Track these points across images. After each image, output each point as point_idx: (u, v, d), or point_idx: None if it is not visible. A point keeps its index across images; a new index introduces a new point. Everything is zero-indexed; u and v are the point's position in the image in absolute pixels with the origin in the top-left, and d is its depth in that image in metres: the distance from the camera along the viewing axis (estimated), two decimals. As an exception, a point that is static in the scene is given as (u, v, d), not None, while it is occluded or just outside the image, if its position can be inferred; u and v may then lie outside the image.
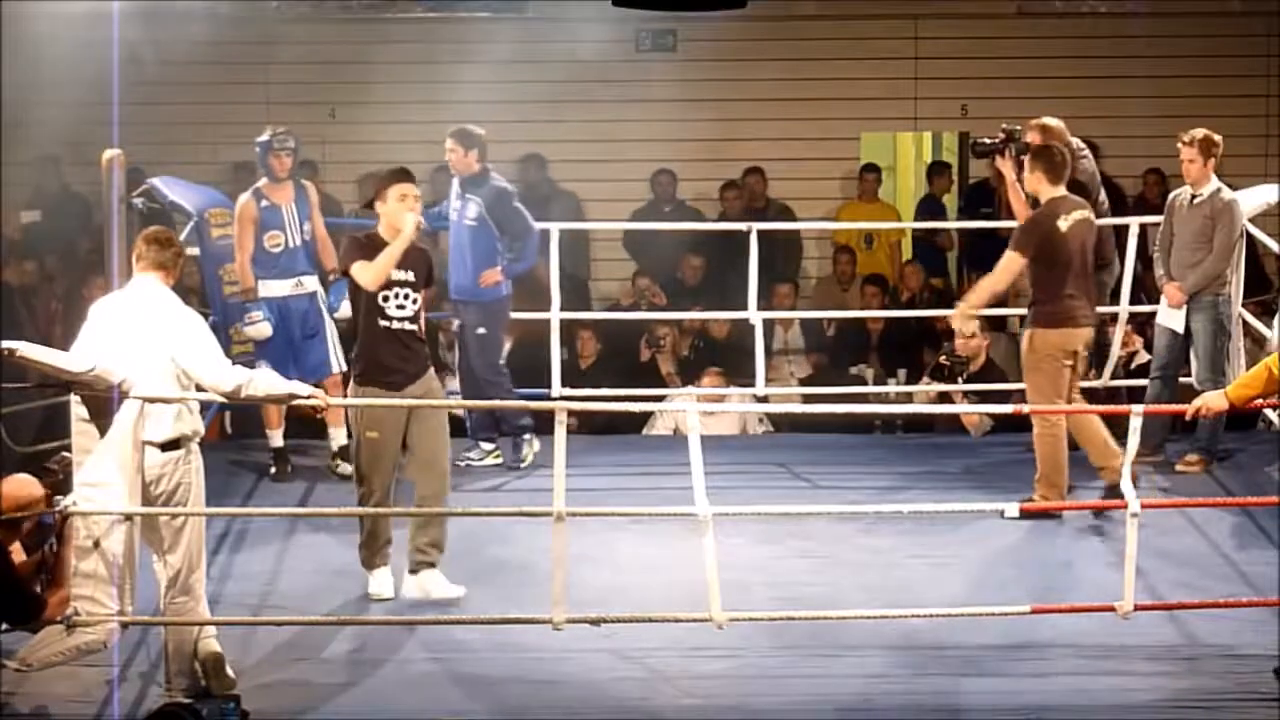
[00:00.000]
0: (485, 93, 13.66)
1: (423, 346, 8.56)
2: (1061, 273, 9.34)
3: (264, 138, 10.13)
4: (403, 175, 8.55)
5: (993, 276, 9.52)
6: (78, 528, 7.21)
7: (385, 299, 8.40)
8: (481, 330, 10.33)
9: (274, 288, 10.12)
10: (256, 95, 13.93)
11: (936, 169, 14.92)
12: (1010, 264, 9.39)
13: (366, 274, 8.37)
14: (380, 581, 8.52)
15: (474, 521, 9.22)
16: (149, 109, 12.42)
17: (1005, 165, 9.98)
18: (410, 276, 8.46)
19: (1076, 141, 10.16)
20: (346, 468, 10.33)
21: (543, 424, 11.66)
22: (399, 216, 8.37)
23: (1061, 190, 9.42)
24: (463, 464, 10.29)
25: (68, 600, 7.16)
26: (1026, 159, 9.55)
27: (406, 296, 8.44)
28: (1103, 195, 10.37)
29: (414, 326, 8.47)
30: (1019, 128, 10.01)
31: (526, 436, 10.52)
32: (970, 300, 9.75)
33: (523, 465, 10.46)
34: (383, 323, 8.42)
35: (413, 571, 8.49)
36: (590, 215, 13.92)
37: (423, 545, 8.46)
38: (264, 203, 10.07)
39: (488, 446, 10.58)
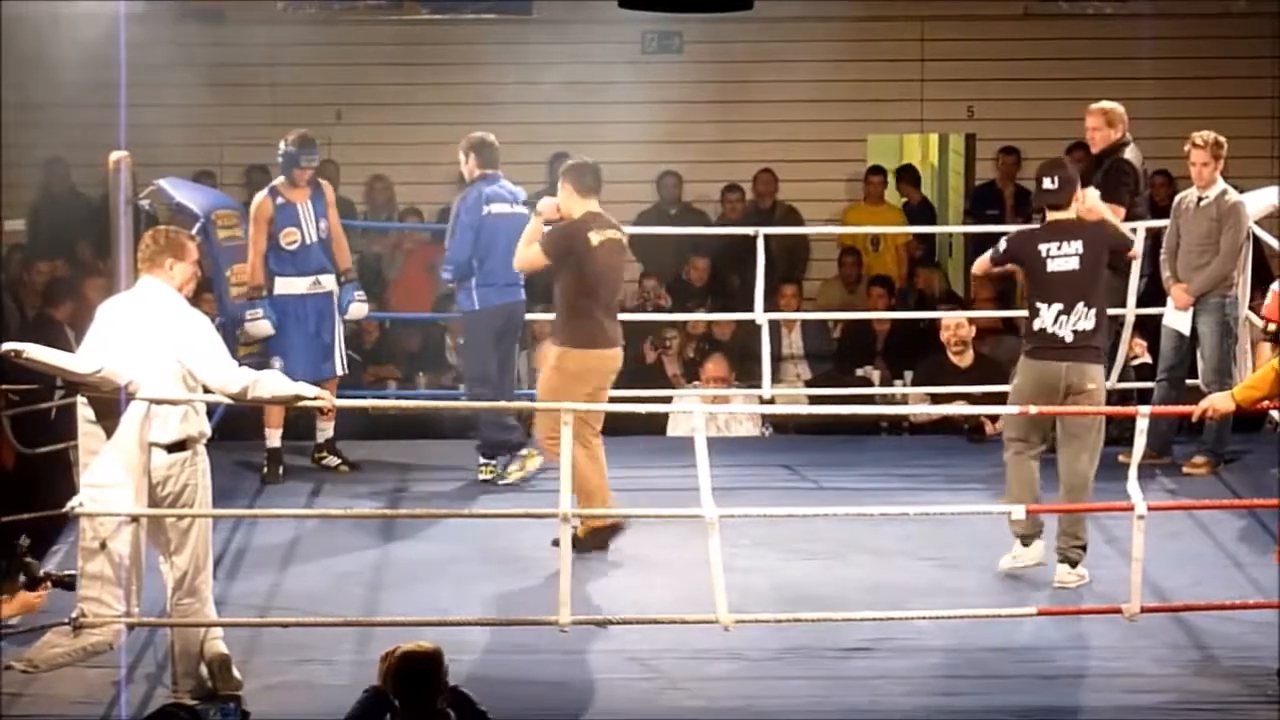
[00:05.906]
0: (490, 95, 13.69)
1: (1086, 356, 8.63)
2: (591, 288, 8.93)
3: (291, 149, 10.10)
4: None
5: None
6: (84, 529, 7.23)
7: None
8: (460, 341, 10.34)
9: (292, 285, 10.14)
10: (263, 97, 13.92)
11: (903, 174, 14.82)
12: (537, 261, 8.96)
13: None
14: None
15: (480, 521, 9.22)
16: (154, 110, 12.41)
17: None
18: None
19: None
20: (333, 460, 10.37)
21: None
22: None
23: (594, 205, 9.06)
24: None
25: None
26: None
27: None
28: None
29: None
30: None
31: (523, 452, 10.12)
32: None
33: (501, 482, 10.08)
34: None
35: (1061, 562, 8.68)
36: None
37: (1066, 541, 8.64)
38: (279, 200, 10.12)
39: (482, 461, 10.20)
